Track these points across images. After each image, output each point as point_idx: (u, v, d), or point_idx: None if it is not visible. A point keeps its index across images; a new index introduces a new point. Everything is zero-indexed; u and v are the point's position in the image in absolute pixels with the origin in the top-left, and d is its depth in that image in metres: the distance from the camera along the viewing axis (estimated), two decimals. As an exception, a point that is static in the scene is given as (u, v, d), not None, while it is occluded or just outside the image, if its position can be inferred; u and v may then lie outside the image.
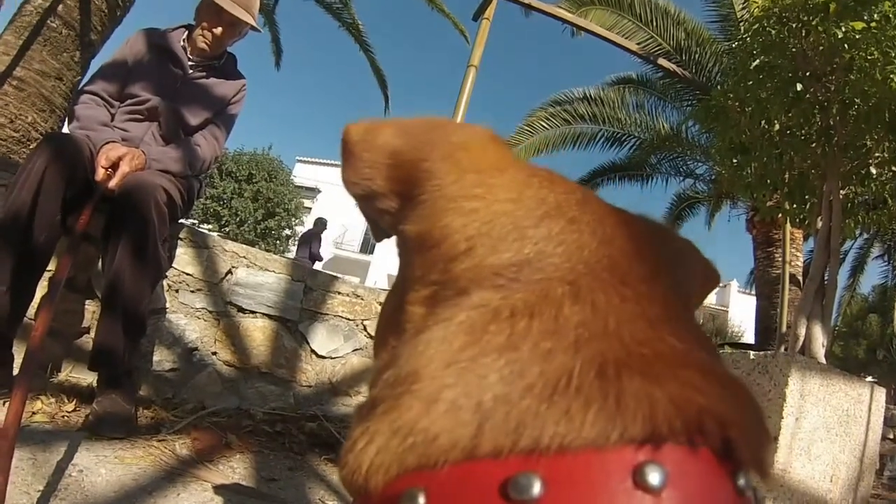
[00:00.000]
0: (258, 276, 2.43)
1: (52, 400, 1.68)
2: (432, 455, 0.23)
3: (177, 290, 2.23)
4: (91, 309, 2.01)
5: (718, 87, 3.79)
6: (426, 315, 0.29)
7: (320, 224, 11.02)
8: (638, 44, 6.38)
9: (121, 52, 2.03)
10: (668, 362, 0.24)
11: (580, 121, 8.42)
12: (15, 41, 2.62)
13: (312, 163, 29.45)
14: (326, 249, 25.04)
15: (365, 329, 2.65)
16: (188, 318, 2.24)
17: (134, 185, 1.66)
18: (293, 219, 21.67)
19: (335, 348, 2.57)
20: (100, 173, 1.65)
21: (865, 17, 2.47)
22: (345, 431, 2.30)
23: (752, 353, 2.23)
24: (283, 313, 2.46)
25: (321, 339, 2.54)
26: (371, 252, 26.27)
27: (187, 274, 2.26)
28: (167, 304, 2.18)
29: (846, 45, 2.53)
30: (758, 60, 2.99)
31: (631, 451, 0.22)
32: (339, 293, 2.61)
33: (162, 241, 1.73)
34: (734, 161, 3.42)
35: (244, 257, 2.43)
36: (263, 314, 2.42)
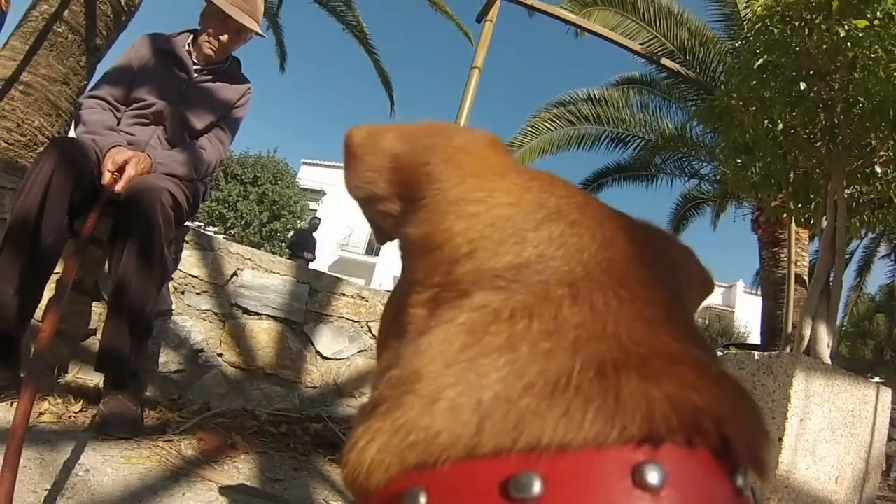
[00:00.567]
0: (263, 278, 2.44)
1: (60, 400, 1.70)
2: (433, 453, 0.24)
3: (182, 292, 2.25)
4: (98, 311, 2.03)
5: (722, 86, 3.78)
6: (428, 317, 0.30)
7: (313, 224, 10.90)
8: (641, 44, 6.37)
9: (126, 57, 2.06)
10: (665, 362, 0.25)
11: (584, 122, 8.41)
12: (21, 46, 2.65)
13: (318, 165, 29.52)
14: (331, 251, 25.12)
15: (370, 331, 2.66)
16: (194, 319, 2.26)
17: (140, 188, 1.68)
18: (298, 221, 21.73)
19: (340, 350, 2.58)
20: (106, 177, 1.67)
21: (868, 15, 2.46)
22: (349, 433, 2.30)
23: (756, 353, 2.22)
24: (289, 315, 2.47)
25: (326, 340, 2.55)
26: (376, 254, 26.30)
27: (193, 276, 2.28)
28: (173, 306, 2.20)
29: (849, 44, 2.52)
30: (761, 59, 2.98)
31: (630, 450, 0.22)
32: (344, 295, 2.62)
33: (168, 243, 1.75)
34: (738, 161, 3.41)
35: (249, 259, 2.44)
36: (269, 316, 2.44)
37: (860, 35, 2.44)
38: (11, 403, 1.56)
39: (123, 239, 1.64)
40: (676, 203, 9.71)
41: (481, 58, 5.49)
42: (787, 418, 1.98)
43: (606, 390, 0.23)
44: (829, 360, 2.56)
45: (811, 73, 2.81)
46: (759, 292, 8.42)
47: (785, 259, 6.10)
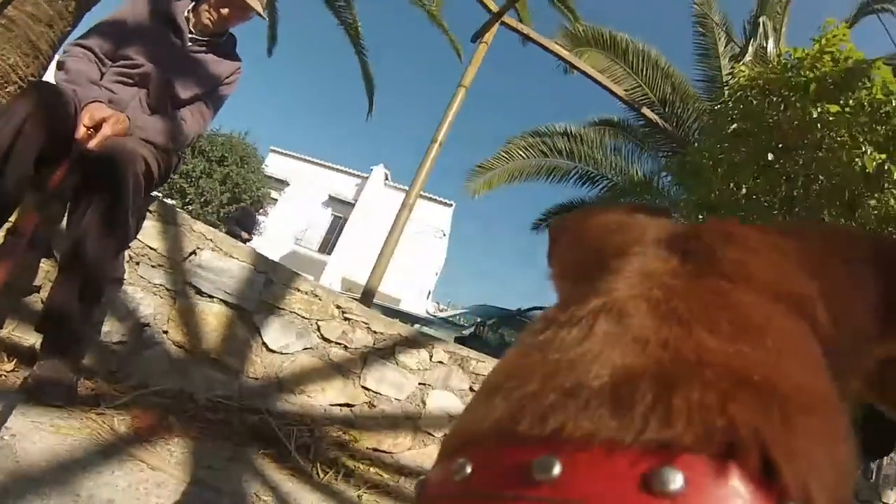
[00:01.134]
0: (222, 261, 2.38)
1: (-10, 357, 1.61)
2: (479, 435, 0.28)
3: (137, 263, 2.16)
4: (45, 268, 1.93)
5: (696, 143, 3.95)
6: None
7: (258, 203, 10.53)
8: (625, 90, 6.59)
9: (121, 12, 1.98)
10: (711, 371, 0.25)
11: (557, 155, 8.58)
12: (11, -20, 2.51)
13: (286, 155, 29.04)
14: (285, 243, 24.64)
15: (318, 329, 2.62)
16: (145, 292, 2.18)
17: (114, 149, 1.62)
18: (258, 207, 21.30)
19: (287, 344, 2.54)
20: (81, 131, 1.60)
21: (841, 102, 2.62)
22: (285, 428, 2.26)
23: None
24: (241, 302, 2.41)
25: (274, 333, 2.50)
26: (329, 253, 25.94)
27: (151, 248, 2.20)
28: (126, 275, 2.11)
29: (819, 125, 2.68)
30: (736, 125, 3.14)
31: (645, 454, 0.22)
32: (299, 290, 2.58)
33: (133, 210, 1.69)
34: (700, 217, 3.55)
35: (211, 240, 2.38)
36: (221, 300, 2.37)
37: (831, 119, 2.60)
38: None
39: (88, 198, 1.57)
40: (634, 248, 9.95)
41: (470, 77, 5.56)
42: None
43: (631, 395, 0.24)
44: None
45: (780, 145, 2.97)
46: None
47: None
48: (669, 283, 0.31)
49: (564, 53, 5.86)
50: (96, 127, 1.64)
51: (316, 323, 2.63)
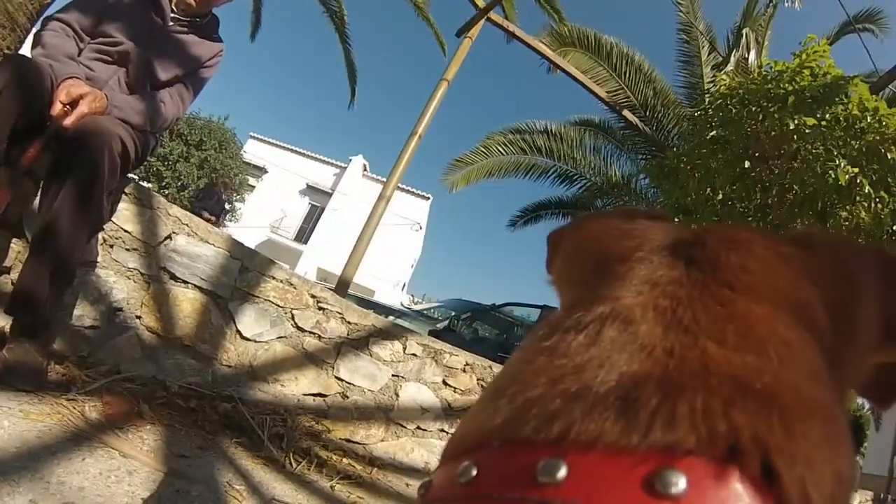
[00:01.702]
0: (197, 246, 2.35)
1: (-45, 338, 1.55)
2: (487, 438, 0.28)
3: (111, 246, 2.12)
4: (16, 249, 1.87)
5: (674, 148, 4.01)
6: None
7: (223, 185, 10.08)
8: (608, 92, 6.65)
9: None
10: (716, 376, 0.25)
11: (536, 153, 8.62)
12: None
13: (265, 141, 28.58)
14: (261, 231, 24.32)
15: (293, 318, 2.61)
16: (118, 276, 2.13)
17: (90, 128, 1.57)
18: (235, 194, 20.94)
19: (261, 332, 2.51)
20: (57, 108, 1.54)
21: (818, 115, 2.69)
22: (258, 417, 2.24)
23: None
24: (216, 289, 2.38)
25: (248, 320, 2.48)
26: (305, 242, 25.67)
27: (125, 231, 2.15)
28: (99, 258, 2.06)
29: (796, 137, 2.75)
30: (714, 132, 3.20)
31: (648, 456, 0.23)
32: (274, 278, 2.55)
33: (108, 192, 1.64)
34: (676, 220, 3.61)
35: (187, 225, 2.34)
36: (195, 286, 2.34)
37: (807, 131, 2.67)
38: None
39: (62, 178, 1.52)
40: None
41: (453, 71, 5.55)
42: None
43: (637, 398, 0.25)
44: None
45: (756, 154, 3.05)
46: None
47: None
48: (675, 292, 0.31)
49: (548, 52, 5.89)
50: (73, 104, 1.58)
51: (290, 312, 2.61)
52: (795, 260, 0.34)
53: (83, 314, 2.02)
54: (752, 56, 4.80)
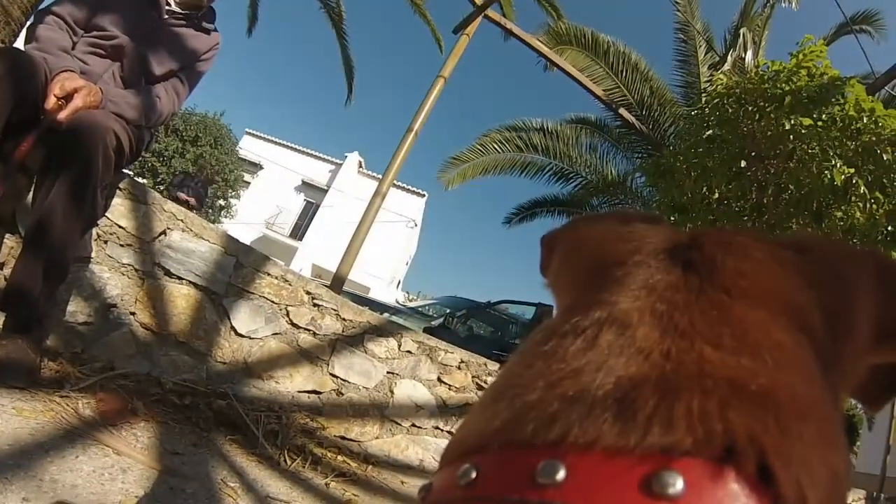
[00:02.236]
0: (192, 242, 2.33)
1: (-53, 334, 1.53)
2: (486, 439, 0.28)
3: (105, 242, 2.10)
4: (9, 244, 1.85)
5: (671, 147, 4.02)
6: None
7: (202, 172, 9.60)
8: (604, 90, 6.65)
9: None
10: (712, 377, 0.26)
11: (532, 150, 8.62)
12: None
13: (260, 138, 28.44)
14: (256, 227, 24.24)
15: (287, 314, 2.60)
16: (112, 272, 2.12)
17: (85, 122, 1.55)
18: (230, 190, 20.85)
19: (255, 329, 2.51)
20: (51, 101, 1.53)
21: (815, 116, 2.70)
22: (253, 414, 2.24)
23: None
24: (210, 285, 2.37)
25: (243, 317, 2.47)
26: (300, 238, 25.60)
27: (120, 226, 2.14)
28: (93, 254, 2.04)
29: (792, 136, 2.76)
30: (711, 131, 3.20)
31: (646, 458, 0.23)
32: (269, 275, 2.55)
33: (102, 187, 1.63)
34: (671, 218, 3.62)
35: (181, 220, 2.33)
36: (190, 282, 2.33)
37: (803, 131, 2.68)
38: None
39: (56, 172, 1.51)
40: (604, 247, 10.06)
41: (449, 68, 5.54)
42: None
43: (633, 400, 0.25)
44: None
45: (753, 154, 3.05)
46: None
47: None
48: (672, 296, 0.31)
49: (545, 50, 5.88)
50: (67, 98, 1.57)
51: (285, 308, 2.60)
52: (791, 263, 0.34)
53: (77, 310, 2.00)
54: (749, 56, 4.82)
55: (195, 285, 2.34)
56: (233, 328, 2.45)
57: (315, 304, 2.68)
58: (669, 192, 3.61)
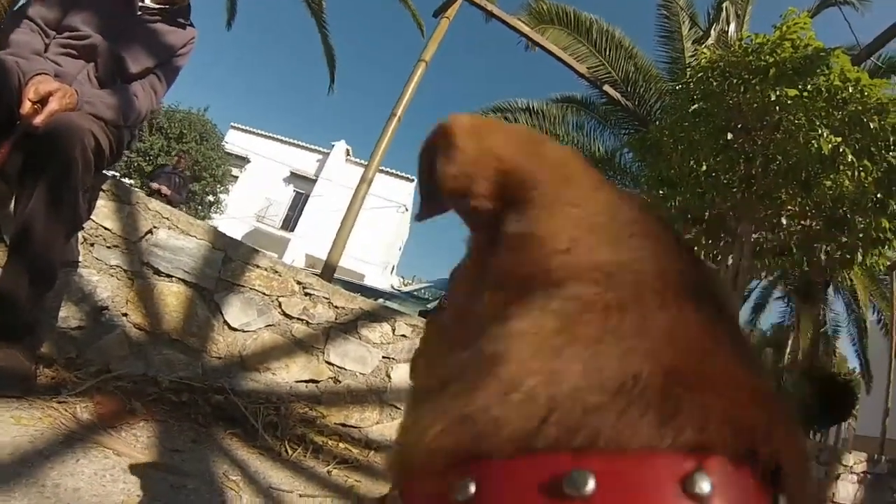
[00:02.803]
0: (179, 239, 2.32)
1: (-61, 348, 1.53)
2: (493, 445, 0.24)
3: (92, 244, 2.09)
4: (-5, 252, 1.84)
5: (657, 122, 4.02)
6: (509, 304, 0.30)
7: (179, 163, 9.08)
8: (588, 68, 6.62)
9: None
10: (729, 381, 0.26)
11: (519, 131, 8.58)
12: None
13: (246, 131, 28.20)
14: (247, 221, 24.13)
15: (280, 306, 2.60)
16: (101, 274, 2.11)
17: (61, 125, 1.54)
18: (219, 185, 20.72)
19: (248, 322, 2.51)
20: (26, 106, 1.51)
21: (800, 87, 2.70)
22: (251, 407, 2.25)
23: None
24: (200, 281, 2.37)
25: (235, 311, 2.47)
26: (292, 230, 25.54)
27: (105, 228, 2.12)
28: (80, 258, 2.03)
29: (778, 108, 2.76)
30: (696, 105, 3.20)
31: (681, 457, 0.23)
32: (258, 267, 2.54)
33: (83, 190, 1.61)
34: (660, 192, 3.64)
35: (167, 218, 2.31)
36: (179, 279, 2.32)
37: (789, 102, 2.68)
38: None
39: (35, 178, 1.49)
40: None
41: (431, 52, 5.48)
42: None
43: (668, 398, 0.24)
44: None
45: (739, 126, 3.06)
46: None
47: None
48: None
49: (527, 30, 5.83)
50: (42, 101, 1.55)
51: (277, 299, 2.60)
52: None
53: (68, 315, 2.00)
54: (732, 29, 4.80)
55: (185, 282, 2.33)
56: (226, 322, 2.45)
57: (306, 294, 2.68)
58: (657, 166, 3.62)
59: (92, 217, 2.04)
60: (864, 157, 2.98)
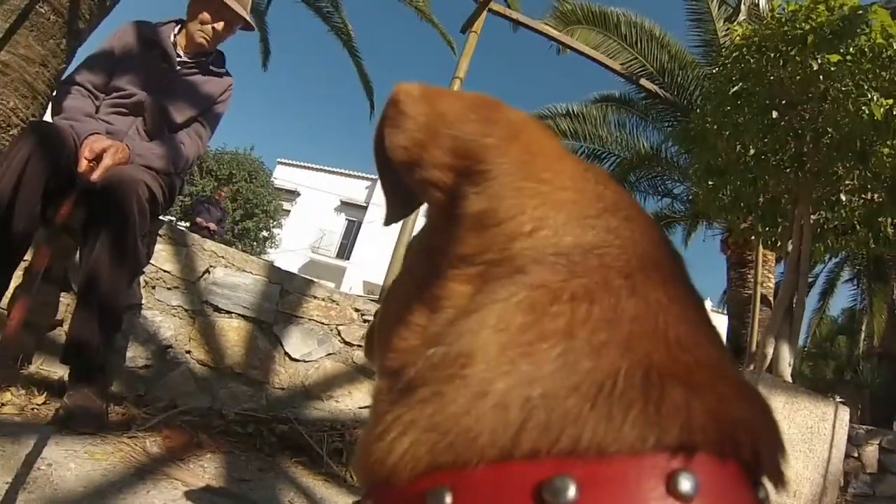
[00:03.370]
0: (235, 276, 2.42)
1: (23, 392, 1.65)
2: (468, 454, 0.23)
3: (153, 287, 2.21)
4: (66, 302, 1.98)
5: (698, 110, 3.88)
6: (474, 293, 0.29)
7: (216, 195, 9.41)
8: (622, 64, 6.50)
9: (108, 43, 2.02)
10: (707, 372, 0.25)
11: (562, 136, 8.49)
12: (1, 24, 2.57)
13: (293, 165, 29.19)
14: (302, 253, 24.82)
15: (339, 334, 2.65)
16: (163, 315, 2.22)
17: (116, 179, 1.65)
18: (271, 220, 21.48)
19: (309, 352, 2.56)
20: (83, 164, 1.63)
21: (841, 50, 2.56)
22: (316, 435, 2.29)
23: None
24: (259, 315, 2.45)
25: (295, 342, 2.53)
26: (347, 258, 26.07)
27: (165, 271, 2.24)
28: (143, 301, 2.15)
29: (821, 77, 2.62)
30: (736, 87, 3.08)
31: (665, 457, 0.22)
32: (315, 297, 2.60)
33: (141, 236, 1.72)
34: (710, 183, 3.50)
35: (222, 257, 2.41)
36: (239, 315, 2.41)
37: (832, 69, 2.54)
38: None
39: (97, 229, 1.61)
40: (649, 221, 9.85)
41: (464, 68, 5.52)
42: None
43: (649, 396, 0.23)
44: (789, 378, 2.64)
45: (783, 102, 2.91)
46: (724, 311, 8.61)
47: (751, 280, 6.26)
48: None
49: (555, 34, 5.80)
50: (97, 158, 1.67)
51: (336, 328, 2.65)
52: None
53: (135, 355, 2.11)
54: (762, 1, 4.60)
55: (244, 317, 2.42)
56: (286, 354, 2.52)
57: (365, 321, 2.72)
58: (703, 156, 3.48)
59: (151, 261, 2.16)
60: (921, 116, 2.77)
